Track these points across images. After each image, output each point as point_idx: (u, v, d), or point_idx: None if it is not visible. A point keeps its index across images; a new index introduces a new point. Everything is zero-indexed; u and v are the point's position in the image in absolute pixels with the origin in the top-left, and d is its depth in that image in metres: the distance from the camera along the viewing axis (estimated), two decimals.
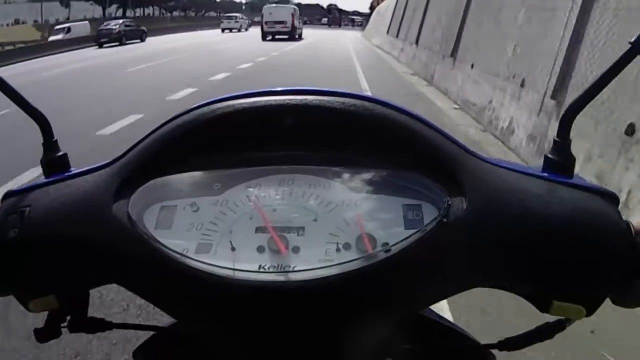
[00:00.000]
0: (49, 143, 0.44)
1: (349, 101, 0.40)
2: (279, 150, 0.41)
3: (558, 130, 0.40)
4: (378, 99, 0.41)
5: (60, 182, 0.42)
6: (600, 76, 0.38)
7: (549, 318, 0.42)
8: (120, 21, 26.83)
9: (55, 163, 0.44)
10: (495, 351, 0.46)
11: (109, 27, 25.09)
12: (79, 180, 0.41)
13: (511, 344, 0.44)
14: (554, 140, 0.41)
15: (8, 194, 0.42)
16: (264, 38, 26.10)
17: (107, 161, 0.42)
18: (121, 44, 24.13)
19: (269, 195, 0.40)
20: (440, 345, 0.47)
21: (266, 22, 26.69)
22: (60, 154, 0.44)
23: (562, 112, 0.41)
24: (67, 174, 0.43)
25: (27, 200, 0.40)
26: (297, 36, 27.30)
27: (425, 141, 0.39)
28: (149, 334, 0.48)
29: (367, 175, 0.40)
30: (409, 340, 0.43)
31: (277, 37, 26.34)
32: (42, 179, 0.43)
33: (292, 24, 26.83)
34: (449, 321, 0.48)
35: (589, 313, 0.38)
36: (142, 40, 26.61)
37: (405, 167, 0.39)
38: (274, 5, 29.21)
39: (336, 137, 0.40)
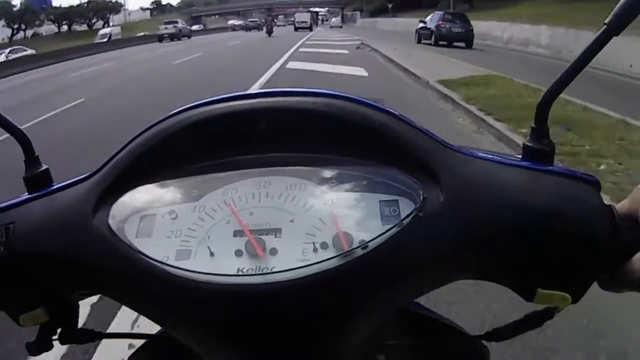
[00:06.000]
0: (31, 159, 0.44)
1: (319, 100, 0.40)
2: (254, 153, 0.41)
3: (535, 117, 0.39)
4: (349, 96, 0.41)
5: (43, 197, 0.42)
6: (575, 60, 0.37)
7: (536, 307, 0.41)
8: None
9: (37, 178, 0.44)
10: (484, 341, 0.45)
11: None
12: (60, 194, 0.42)
13: (500, 334, 0.44)
14: (532, 128, 0.40)
15: None
16: (295, 30, 41.19)
17: (87, 174, 0.43)
18: None
19: (245, 198, 0.40)
20: (431, 339, 0.47)
21: (297, 22, 43.37)
22: (42, 169, 0.45)
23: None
24: (49, 188, 0.43)
25: (11, 217, 0.41)
26: (312, 29, 42.45)
27: (397, 135, 0.39)
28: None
29: (344, 173, 0.40)
30: (400, 335, 0.44)
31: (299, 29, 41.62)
32: (25, 195, 0.43)
33: (310, 23, 43.23)
34: (438, 314, 0.47)
35: (575, 300, 0.38)
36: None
37: (381, 163, 0.39)
38: (299, 13, 47.33)
39: (310, 137, 0.40)
